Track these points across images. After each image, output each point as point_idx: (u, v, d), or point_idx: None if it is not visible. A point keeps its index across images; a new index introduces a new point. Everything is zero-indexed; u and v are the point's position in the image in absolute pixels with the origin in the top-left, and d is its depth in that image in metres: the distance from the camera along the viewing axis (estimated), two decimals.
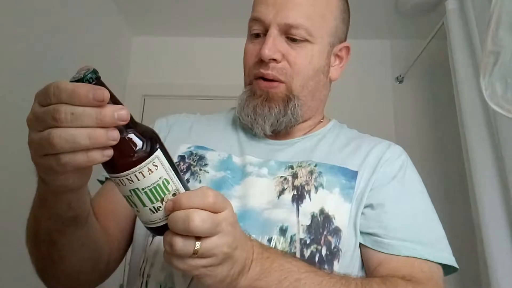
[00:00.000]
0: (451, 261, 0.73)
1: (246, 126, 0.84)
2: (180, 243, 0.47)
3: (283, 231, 0.70)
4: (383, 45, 2.48)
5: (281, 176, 0.77)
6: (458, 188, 1.94)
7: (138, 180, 0.47)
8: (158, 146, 0.48)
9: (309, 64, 0.79)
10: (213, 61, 2.44)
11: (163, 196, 0.48)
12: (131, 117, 0.45)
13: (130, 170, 0.46)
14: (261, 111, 0.79)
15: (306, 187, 0.75)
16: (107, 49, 2.23)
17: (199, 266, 0.48)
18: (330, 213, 0.72)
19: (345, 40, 0.87)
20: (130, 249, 0.81)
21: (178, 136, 0.85)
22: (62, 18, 1.75)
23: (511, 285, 1.34)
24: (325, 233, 0.70)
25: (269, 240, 0.69)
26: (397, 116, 2.36)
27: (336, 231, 0.71)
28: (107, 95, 0.42)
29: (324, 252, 0.69)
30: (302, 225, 0.71)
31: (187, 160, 0.80)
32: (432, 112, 2.33)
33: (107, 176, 0.80)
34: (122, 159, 0.46)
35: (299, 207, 0.73)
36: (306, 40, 0.78)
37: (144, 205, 0.48)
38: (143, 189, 0.47)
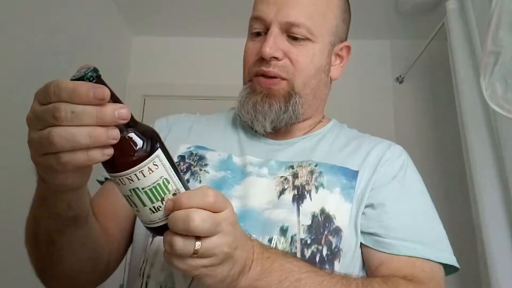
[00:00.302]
0: (452, 260, 0.72)
1: (246, 125, 0.83)
2: (180, 243, 0.47)
3: (283, 231, 0.70)
4: (383, 45, 2.48)
5: (282, 176, 0.77)
6: (458, 188, 1.94)
7: (138, 179, 0.46)
8: (158, 146, 0.48)
9: (311, 63, 0.79)
10: (213, 61, 2.44)
11: (163, 195, 0.48)
12: (132, 116, 0.45)
13: (130, 170, 0.46)
14: (261, 107, 0.78)
15: (306, 187, 0.75)
16: (107, 49, 2.22)
17: (199, 266, 0.48)
18: (330, 213, 0.72)
19: (345, 39, 0.87)
20: (130, 249, 0.80)
21: (178, 136, 0.85)
22: (62, 18, 1.75)
23: (511, 285, 1.34)
24: (325, 233, 0.70)
25: (270, 240, 0.69)
26: (397, 117, 2.36)
27: (337, 231, 0.71)
28: (107, 93, 0.42)
29: (325, 252, 0.69)
30: (302, 225, 0.71)
31: (187, 160, 0.80)
32: (432, 112, 2.33)
33: (107, 176, 0.80)
34: (123, 158, 0.45)
35: (300, 207, 0.73)
36: (307, 39, 0.78)
37: (144, 205, 0.48)
38: (143, 188, 0.47)
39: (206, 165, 0.79)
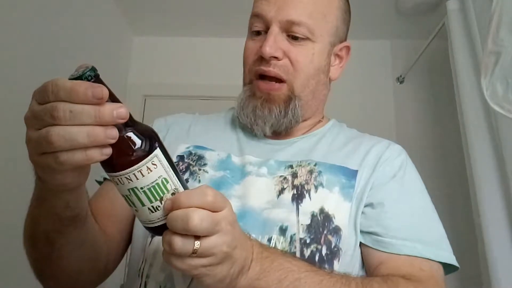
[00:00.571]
0: (451, 259, 0.72)
1: (246, 126, 0.83)
2: (179, 242, 0.46)
3: (283, 230, 0.70)
4: (383, 45, 2.48)
5: (281, 176, 0.77)
6: (459, 188, 1.94)
7: (137, 179, 0.46)
8: (157, 145, 0.48)
9: (310, 63, 0.79)
10: (213, 61, 2.44)
11: (162, 195, 0.48)
12: (130, 116, 0.45)
13: (129, 169, 0.46)
14: (261, 112, 0.78)
15: (306, 187, 0.75)
16: (108, 49, 2.23)
17: (199, 265, 0.48)
18: (330, 212, 0.72)
19: (345, 40, 0.87)
20: (129, 250, 0.80)
21: (177, 136, 0.85)
22: (62, 18, 1.75)
23: None
24: (325, 232, 0.70)
25: (269, 240, 0.69)
26: (398, 117, 2.36)
27: (336, 230, 0.71)
28: (106, 93, 0.42)
29: (324, 251, 0.69)
30: (302, 224, 0.71)
31: (186, 160, 0.80)
32: (433, 112, 2.33)
33: (105, 176, 0.80)
34: (121, 157, 0.45)
35: (299, 207, 0.72)
36: (307, 38, 0.78)
37: (143, 205, 0.48)
38: (141, 188, 0.47)
39: (205, 164, 0.79)
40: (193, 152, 0.81)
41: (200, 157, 0.80)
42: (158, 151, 0.47)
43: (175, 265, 0.48)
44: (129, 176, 0.46)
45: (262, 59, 0.77)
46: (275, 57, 0.77)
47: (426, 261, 0.70)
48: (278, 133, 0.82)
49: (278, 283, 0.55)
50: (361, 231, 0.73)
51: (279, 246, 0.69)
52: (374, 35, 2.41)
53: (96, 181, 0.83)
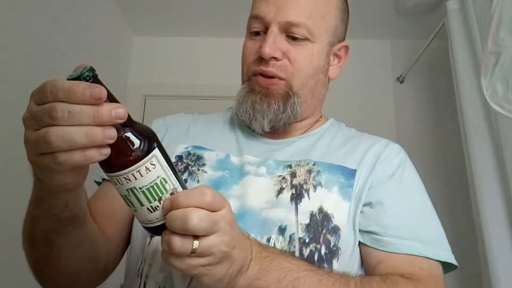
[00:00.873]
0: (450, 258, 0.72)
1: (244, 125, 0.83)
2: (178, 242, 0.46)
3: (282, 230, 0.70)
4: (383, 45, 2.48)
5: (280, 175, 0.77)
6: (459, 188, 1.94)
7: (136, 179, 0.46)
8: (155, 145, 0.48)
9: (309, 63, 0.79)
10: (213, 61, 2.44)
11: (160, 195, 0.48)
12: (129, 116, 0.45)
13: (128, 169, 0.46)
14: (260, 107, 0.78)
15: (304, 186, 0.75)
16: (108, 49, 2.23)
17: (197, 265, 0.48)
18: (329, 212, 0.72)
19: (343, 39, 0.87)
20: (128, 250, 0.80)
21: (175, 136, 0.85)
22: (62, 18, 1.75)
23: None
24: (324, 231, 0.70)
25: (268, 240, 0.69)
26: (398, 116, 2.36)
27: (335, 230, 0.71)
28: (104, 93, 0.42)
29: (323, 251, 0.69)
30: (301, 224, 0.71)
31: (185, 160, 0.80)
32: (433, 112, 2.33)
33: (104, 177, 0.80)
34: (120, 157, 0.45)
35: (298, 206, 0.73)
36: (306, 39, 0.78)
37: (142, 205, 0.48)
38: (140, 188, 0.47)
39: (204, 165, 0.79)
40: (192, 152, 0.81)
41: (199, 157, 0.80)
42: (156, 151, 0.47)
43: (174, 265, 0.48)
44: (127, 176, 0.46)
45: (261, 59, 0.77)
46: (274, 58, 0.77)
47: (425, 260, 0.70)
48: (276, 130, 0.81)
49: (277, 282, 0.55)
50: (360, 230, 0.73)
51: (278, 246, 0.69)
52: (374, 35, 2.41)
53: (95, 181, 0.83)
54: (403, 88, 2.41)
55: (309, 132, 0.86)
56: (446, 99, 2.13)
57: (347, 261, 0.71)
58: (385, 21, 2.31)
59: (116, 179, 0.47)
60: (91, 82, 0.43)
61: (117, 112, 0.42)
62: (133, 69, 2.50)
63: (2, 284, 1.37)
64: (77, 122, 0.41)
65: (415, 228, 0.73)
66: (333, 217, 0.72)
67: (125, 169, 0.46)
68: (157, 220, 0.49)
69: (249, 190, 0.75)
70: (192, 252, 0.47)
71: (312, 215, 0.72)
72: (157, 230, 0.50)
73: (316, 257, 0.68)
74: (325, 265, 0.68)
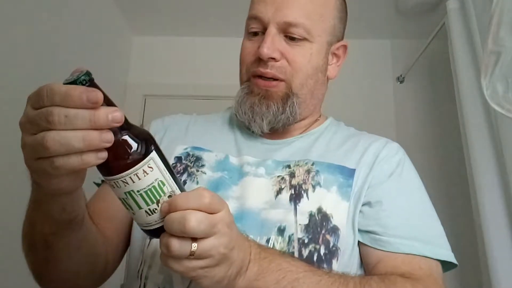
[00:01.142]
0: (449, 257, 0.72)
1: (243, 125, 0.83)
2: (176, 245, 0.46)
3: (281, 231, 0.70)
4: (383, 45, 2.48)
5: (279, 176, 0.77)
6: (459, 188, 1.94)
7: (133, 182, 0.46)
8: (153, 148, 0.48)
9: (308, 63, 0.79)
10: (213, 61, 2.44)
11: (158, 198, 0.48)
12: (126, 119, 0.45)
13: (125, 172, 0.46)
14: (258, 109, 0.78)
15: (303, 186, 0.75)
16: (108, 49, 2.23)
17: (196, 267, 0.48)
18: (328, 212, 0.72)
19: (342, 39, 0.87)
20: (128, 251, 0.80)
21: (174, 137, 0.85)
22: (62, 18, 1.75)
23: None
24: (323, 232, 0.70)
25: (267, 241, 0.69)
26: (398, 116, 2.36)
27: (334, 230, 0.71)
28: (100, 97, 0.42)
29: (322, 251, 0.69)
30: (300, 224, 0.71)
31: (184, 161, 0.80)
32: (433, 111, 2.33)
33: (103, 179, 0.80)
34: (117, 161, 0.45)
35: (297, 207, 0.72)
36: (305, 39, 0.78)
37: (140, 208, 0.48)
38: (138, 191, 0.47)
39: (203, 166, 0.79)
40: (190, 153, 0.81)
41: (198, 158, 0.80)
42: (154, 154, 0.47)
43: (172, 267, 0.48)
44: (125, 179, 0.46)
45: (259, 60, 0.77)
46: (273, 58, 0.76)
47: (424, 259, 0.70)
48: (276, 131, 0.81)
49: (276, 283, 0.55)
50: (359, 230, 0.73)
51: (277, 247, 0.69)
52: (374, 34, 2.41)
53: (94, 183, 0.83)
54: (403, 87, 2.41)
55: (308, 131, 0.86)
56: (446, 98, 2.13)
57: (347, 261, 0.71)
58: (385, 21, 2.31)
59: (114, 182, 0.47)
60: (87, 86, 0.42)
61: (114, 116, 0.42)
62: (133, 69, 2.50)
63: (2, 284, 1.37)
64: (74, 126, 0.41)
65: (415, 227, 0.73)
66: (332, 217, 0.72)
67: (122, 172, 0.46)
68: (156, 223, 0.49)
69: (248, 191, 0.74)
70: (190, 255, 0.47)
71: (311, 216, 0.71)
72: (155, 232, 0.50)
73: (315, 258, 0.68)
74: (325, 266, 0.68)
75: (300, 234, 0.70)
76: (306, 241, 0.69)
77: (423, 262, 0.70)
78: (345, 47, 0.87)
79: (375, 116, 2.31)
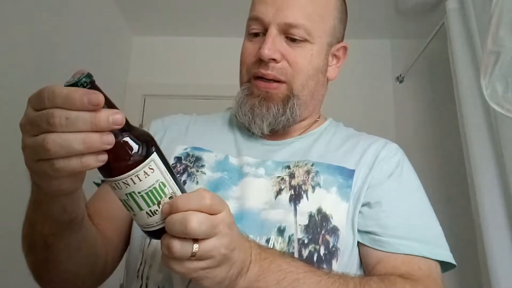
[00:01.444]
0: (448, 257, 0.73)
1: (243, 126, 0.83)
2: (178, 246, 0.46)
3: (281, 231, 0.70)
4: (383, 44, 2.48)
5: (278, 176, 0.77)
6: (459, 188, 1.94)
7: (134, 183, 0.46)
8: (154, 149, 0.48)
9: (309, 64, 0.79)
10: (213, 61, 2.44)
11: (159, 199, 0.48)
12: (127, 121, 0.45)
13: (126, 174, 0.46)
14: (259, 110, 0.78)
15: (303, 187, 0.75)
16: (108, 49, 2.23)
17: (198, 268, 0.48)
18: (327, 213, 0.72)
19: (342, 40, 0.87)
20: (127, 251, 0.80)
21: (174, 137, 0.85)
22: (62, 18, 1.75)
23: None
24: (323, 232, 0.70)
25: (267, 241, 0.69)
26: (398, 116, 2.36)
27: (334, 230, 0.71)
28: (102, 99, 0.42)
29: (322, 251, 0.69)
30: (299, 225, 0.71)
31: (183, 162, 0.80)
32: (433, 111, 2.33)
33: (103, 179, 0.80)
34: (118, 162, 0.45)
35: (297, 207, 0.73)
36: (305, 40, 0.78)
37: (141, 209, 0.48)
38: (139, 192, 0.47)
39: (202, 166, 0.79)
40: (190, 153, 0.81)
41: (198, 159, 0.80)
42: (155, 156, 0.47)
43: (174, 268, 0.48)
44: (126, 180, 0.46)
45: (260, 61, 0.77)
46: (274, 59, 0.77)
47: (424, 259, 0.70)
48: (276, 132, 0.82)
49: (277, 284, 0.55)
50: (359, 231, 0.73)
51: (277, 247, 0.69)
52: (374, 34, 2.41)
53: (94, 183, 0.83)
54: (402, 87, 2.41)
55: (308, 132, 0.86)
56: (445, 98, 2.13)
57: (346, 262, 0.71)
58: (385, 21, 2.31)
59: (115, 184, 0.47)
60: (88, 88, 0.43)
61: (115, 118, 0.42)
62: (132, 69, 2.50)
63: (2, 284, 1.37)
64: (74, 129, 0.41)
65: (414, 228, 0.73)
66: (332, 218, 0.72)
67: (123, 174, 0.46)
68: (157, 224, 0.49)
69: (248, 191, 0.75)
70: (192, 256, 0.47)
71: (311, 216, 0.72)
72: (156, 234, 0.50)
73: (315, 258, 0.69)
74: (324, 266, 0.68)
75: (300, 235, 0.70)
76: (306, 241, 0.70)
77: (422, 262, 0.70)
78: (345, 48, 0.87)
79: (375, 115, 2.31)
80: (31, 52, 1.55)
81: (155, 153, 0.48)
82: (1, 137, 1.39)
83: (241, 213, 0.71)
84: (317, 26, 0.78)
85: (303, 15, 0.77)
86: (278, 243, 0.69)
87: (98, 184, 0.83)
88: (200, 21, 2.37)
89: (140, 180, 0.46)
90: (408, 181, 0.79)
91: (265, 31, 0.78)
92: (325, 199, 0.74)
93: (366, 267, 0.73)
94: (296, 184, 0.75)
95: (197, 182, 0.77)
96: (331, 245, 0.70)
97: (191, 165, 0.79)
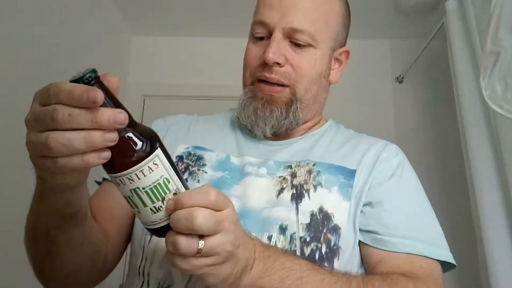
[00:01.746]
0: (449, 257, 0.73)
1: (245, 127, 0.84)
2: (184, 242, 0.46)
3: (282, 229, 0.71)
4: (383, 45, 2.49)
5: (280, 176, 0.77)
6: (458, 188, 1.94)
7: (139, 179, 0.46)
8: (158, 145, 0.48)
9: (312, 69, 0.80)
10: (213, 61, 2.44)
11: (164, 195, 0.48)
12: (131, 117, 0.45)
13: (131, 169, 0.46)
14: (262, 113, 0.79)
15: (305, 186, 0.75)
16: (107, 49, 2.23)
17: (203, 265, 0.48)
18: (329, 211, 0.73)
19: (344, 44, 0.88)
20: (128, 249, 0.81)
21: (176, 137, 0.85)
22: (62, 18, 1.75)
23: (511, 285, 1.34)
24: (324, 231, 0.71)
25: (269, 238, 0.70)
26: (397, 116, 2.37)
27: (336, 229, 0.72)
28: (100, 97, 0.41)
29: (324, 249, 0.70)
30: (301, 223, 0.71)
31: (185, 161, 0.80)
32: (432, 112, 2.34)
33: (105, 177, 0.80)
34: (122, 158, 0.45)
35: (299, 206, 0.73)
36: (309, 45, 0.78)
37: (145, 205, 0.48)
38: (143, 188, 0.47)
39: (204, 165, 0.79)
40: (192, 152, 0.82)
41: (199, 158, 0.80)
42: (159, 151, 0.48)
43: (179, 265, 0.48)
44: (130, 176, 0.46)
45: (264, 64, 0.78)
46: (278, 63, 0.77)
47: (425, 259, 0.71)
48: (278, 135, 0.82)
49: (281, 282, 0.56)
50: (361, 230, 0.74)
51: (279, 245, 0.69)
52: (374, 34, 2.42)
53: (96, 181, 0.83)
54: (402, 87, 2.41)
55: (309, 133, 0.87)
56: (445, 99, 2.13)
57: (347, 260, 0.71)
58: (385, 21, 2.32)
59: (119, 179, 0.47)
60: (93, 83, 0.43)
61: (116, 117, 0.42)
62: (132, 69, 2.50)
63: (2, 284, 1.37)
64: (77, 126, 0.41)
65: (415, 227, 0.73)
66: (333, 217, 0.72)
67: (128, 169, 0.46)
68: (161, 221, 0.49)
69: (249, 190, 0.75)
70: (197, 252, 0.47)
71: (312, 215, 0.72)
72: (160, 231, 0.50)
73: (317, 256, 0.69)
74: (326, 264, 0.69)
75: (302, 233, 0.70)
76: (307, 239, 0.70)
77: (424, 262, 0.70)
78: (347, 52, 0.88)
79: (374, 115, 2.31)
80: (31, 52, 1.55)
81: (159, 148, 0.48)
82: (1, 137, 1.38)
83: (243, 211, 0.72)
84: (321, 32, 0.79)
85: (308, 20, 0.77)
86: (280, 241, 0.70)
87: (99, 183, 0.83)
88: (200, 21, 2.37)
89: (145, 176, 0.46)
90: (409, 181, 0.80)
91: (269, 35, 0.78)
92: (326, 198, 0.74)
93: (368, 266, 0.74)
94: (297, 184, 0.75)
95: (198, 181, 0.77)
96: (332, 243, 0.70)
97: (193, 164, 0.79)
